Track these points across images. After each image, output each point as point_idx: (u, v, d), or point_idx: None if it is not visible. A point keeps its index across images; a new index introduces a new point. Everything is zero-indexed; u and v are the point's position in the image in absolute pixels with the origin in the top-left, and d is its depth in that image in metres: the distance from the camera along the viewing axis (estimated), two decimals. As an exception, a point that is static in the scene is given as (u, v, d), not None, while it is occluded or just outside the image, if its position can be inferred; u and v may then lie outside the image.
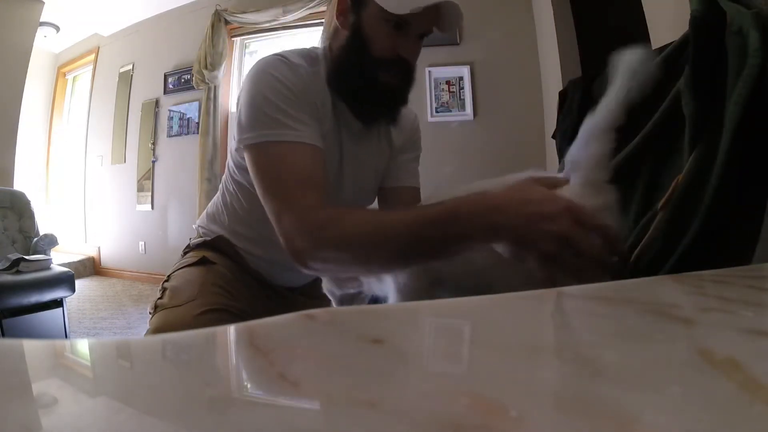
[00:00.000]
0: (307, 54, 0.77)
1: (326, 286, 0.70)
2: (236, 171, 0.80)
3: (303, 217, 0.61)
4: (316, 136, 0.68)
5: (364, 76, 0.73)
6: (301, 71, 0.72)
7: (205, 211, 0.92)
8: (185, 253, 0.89)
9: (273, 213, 0.64)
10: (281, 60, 0.72)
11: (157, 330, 0.69)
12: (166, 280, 0.81)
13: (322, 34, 0.81)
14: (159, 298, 0.77)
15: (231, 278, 0.82)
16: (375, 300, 0.67)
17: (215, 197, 0.91)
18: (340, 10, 0.75)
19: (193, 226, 0.94)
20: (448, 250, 0.55)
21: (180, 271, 0.82)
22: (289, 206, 0.62)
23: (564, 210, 0.49)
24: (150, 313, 0.76)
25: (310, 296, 0.91)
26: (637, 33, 1.37)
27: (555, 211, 0.49)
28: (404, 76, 0.75)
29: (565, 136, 1.16)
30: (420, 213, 0.57)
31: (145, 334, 0.69)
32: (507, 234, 0.51)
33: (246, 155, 0.69)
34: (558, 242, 0.48)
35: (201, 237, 0.89)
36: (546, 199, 0.51)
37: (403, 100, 0.79)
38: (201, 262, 0.82)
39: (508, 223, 0.50)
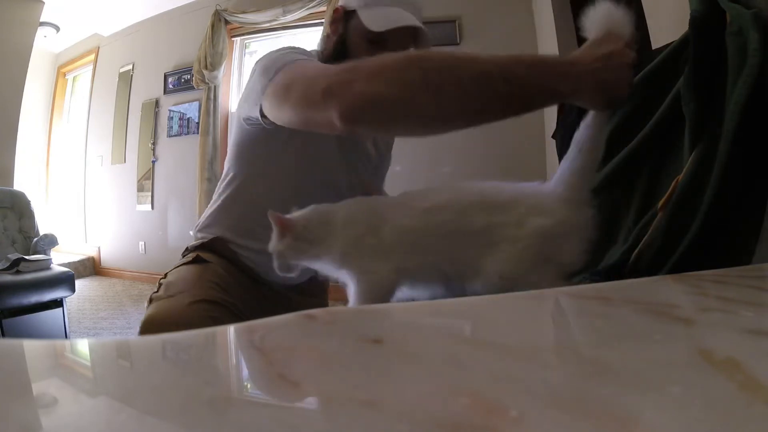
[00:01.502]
0: (303, 52, 0.81)
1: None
2: (246, 141, 0.82)
3: (351, 70, 0.56)
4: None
5: None
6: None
7: (200, 219, 0.95)
8: (183, 255, 0.90)
9: (317, 95, 0.57)
10: (290, 50, 0.75)
11: (150, 319, 0.70)
12: (163, 278, 0.84)
13: (320, 37, 0.90)
14: (155, 292, 0.79)
15: (225, 276, 0.83)
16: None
17: (210, 205, 0.93)
18: (333, 18, 0.83)
19: (191, 232, 0.96)
20: (533, 100, 0.55)
21: (176, 269, 0.85)
22: (328, 79, 0.56)
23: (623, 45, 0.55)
24: (147, 307, 0.78)
25: (307, 295, 0.92)
26: (637, 33, 1.37)
27: (619, 48, 0.54)
28: None
29: (565, 136, 1.16)
30: (512, 56, 0.54)
31: (140, 325, 0.70)
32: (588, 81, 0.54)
33: (271, 91, 0.66)
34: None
35: (198, 240, 0.91)
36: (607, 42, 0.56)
37: None
38: (196, 260, 0.85)
39: (590, 68, 0.53)
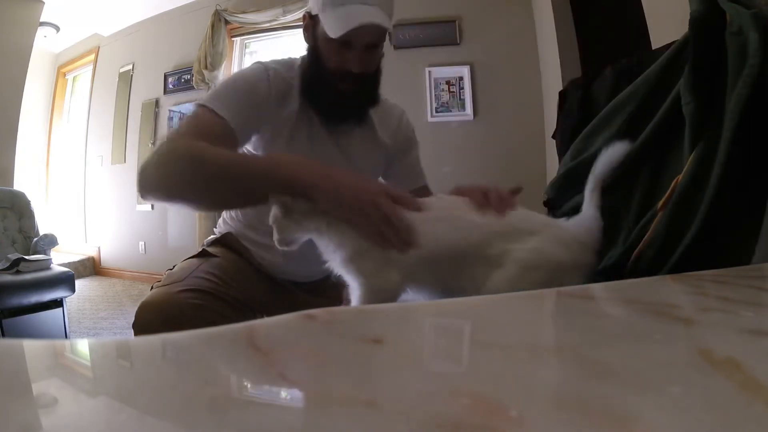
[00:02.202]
0: (286, 62, 0.85)
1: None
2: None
3: (167, 136, 0.71)
4: (236, 119, 0.74)
5: (323, 86, 0.80)
6: (269, 74, 0.80)
7: (221, 216, 0.99)
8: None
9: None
10: (259, 65, 0.82)
11: (144, 303, 0.73)
12: (170, 269, 0.86)
13: None
14: (158, 281, 0.82)
15: (230, 269, 0.84)
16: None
17: None
18: (304, 26, 0.83)
19: (214, 229, 1.00)
20: (245, 198, 0.67)
21: (182, 261, 0.88)
22: (167, 134, 0.71)
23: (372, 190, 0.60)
24: None
25: (315, 294, 0.92)
26: (637, 33, 1.37)
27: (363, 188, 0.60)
28: (361, 84, 0.80)
29: (565, 136, 1.16)
30: (241, 157, 0.67)
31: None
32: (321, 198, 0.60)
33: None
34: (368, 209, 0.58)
35: (214, 236, 0.95)
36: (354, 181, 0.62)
37: (369, 101, 0.86)
38: (200, 254, 0.87)
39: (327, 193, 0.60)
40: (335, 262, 0.64)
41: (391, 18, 0.78)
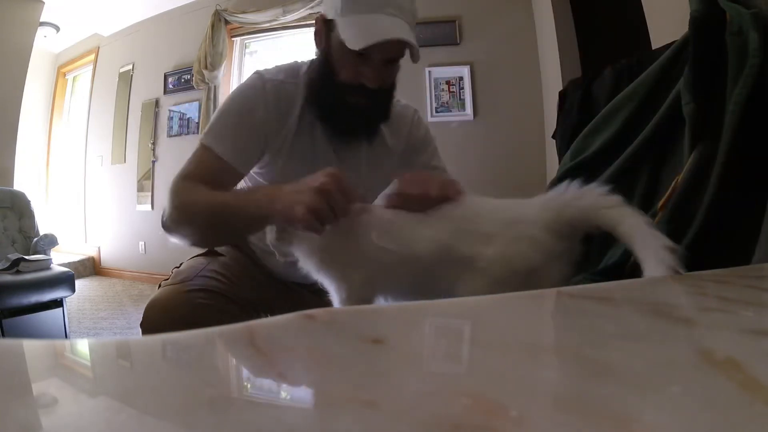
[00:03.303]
0: (289, 68, 0.80)
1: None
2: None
3: (171, 186, 0.74)
4: (235, 155, 0.75)
5: (332, 98, 0.75)
6: (266, 87, 0.77)
7: None
8: None
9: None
10: (256, 78, 0.78)
11: (152, 301, 0.74)
12: (177, 267, 0.86)
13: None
14: (165, 279, 0.82)
15: (236, 269, 0.84)
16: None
17: None
18: (315, 29, 0.77)
19: None
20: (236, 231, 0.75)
21: (190, 259, 0.88)
22: (173, 180, 0.75)
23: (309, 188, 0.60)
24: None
25: (320, 294, 0.92)
26: (637, 33, 1.37)
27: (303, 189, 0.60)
28: (374, 100, 0.75)
29: (565, 136, 1.16)
30: (222, 197, 0.70)
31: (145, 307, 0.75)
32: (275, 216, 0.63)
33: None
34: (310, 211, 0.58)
35: None
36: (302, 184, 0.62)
37: (381, 117, 0.80)
38: (207, 253, 0.87)
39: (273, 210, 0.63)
40: (312, 270, 0.66)
41: (413, 31, 0.72)
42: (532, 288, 0.45)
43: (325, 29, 0.74)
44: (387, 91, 0.77)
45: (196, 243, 0.79)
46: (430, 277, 0.60)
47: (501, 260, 0.55)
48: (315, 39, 0.77)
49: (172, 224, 0.73)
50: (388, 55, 0.71)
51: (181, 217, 0.73)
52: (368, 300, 0.62)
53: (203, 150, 0.76)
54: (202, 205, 0.71)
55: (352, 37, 0.68)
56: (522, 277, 0.55)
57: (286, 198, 0.61)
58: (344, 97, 0.74)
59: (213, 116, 0.79)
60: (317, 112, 0.78)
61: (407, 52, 0.73)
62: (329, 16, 0.72)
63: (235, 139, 0.75)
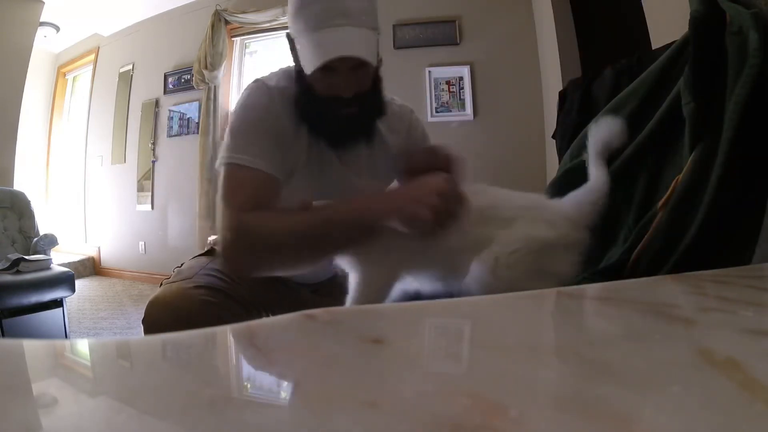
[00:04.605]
0: (284, 74, 0.79)
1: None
2: None
3: (233, 224, 0.67)
4: (270, 164, 0.71)
5: (321, 113, 0.75)
6: (272, 93, 0.75)
7: None
8: None
9: (220, 221, 0.71)
10: (261, 85, 0.76)
11: (155, 298, 0.73)
12: (179, 266, 0.86)
13: None
14: (166, 279, 0.82)
15: None
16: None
17: None
18: (289, 47, 0.77)
19: None
20: (347, 244, 0.67)
21: (191, 259, 0.88)
22: (228, 218, 0.69)
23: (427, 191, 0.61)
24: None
25: (322, 294, 0.92)
26: (637, 33, 1.38)
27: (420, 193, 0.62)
28: (360, 104, 0.75)
29: (565, 136, 1.16)
30: (318, 214, 0.66)
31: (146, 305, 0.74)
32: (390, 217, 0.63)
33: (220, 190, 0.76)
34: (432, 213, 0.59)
35: None
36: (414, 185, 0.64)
37: (376, 115, 0.80)
38: (208, 252, 0.88)
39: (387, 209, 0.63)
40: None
41: (375, 31, 0.72)
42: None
43: (292, 47, 0.76)
44: (371, 91, 0.77)
45: (287, 270, 0.76)
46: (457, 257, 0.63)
47: (522, 239, 0.61)
48: (292, 55, 0.78)
49: (256, 262, 0.69)
50: (349, 64, 0.70)
51: (266, 252, 0.67)
52: (391, 284, 0.65)
53: (237, 170, 0.70)
54: (286, 231, 0.66)
55: (305, 58, 0.71)
56: (534, 254, 0.60)
57: (404, 199, 0.63)
58: (326, 110, 0.74)
59: (228, 135, 0.73)
60: (312, 128, 0.77)
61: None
62: (292, 36, 0.75)
63: (263, 149, 0.71)
